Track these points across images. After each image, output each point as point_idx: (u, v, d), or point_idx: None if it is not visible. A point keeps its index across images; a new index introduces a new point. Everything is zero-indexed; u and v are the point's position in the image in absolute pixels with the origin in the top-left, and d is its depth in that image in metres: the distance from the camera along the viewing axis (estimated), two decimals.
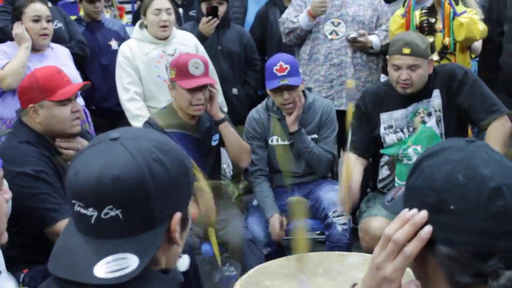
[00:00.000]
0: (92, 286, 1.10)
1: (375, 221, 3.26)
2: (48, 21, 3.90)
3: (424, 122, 3.34)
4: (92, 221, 1.13)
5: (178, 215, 1.19)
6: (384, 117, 3.39)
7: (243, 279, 2.73)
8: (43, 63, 3.78)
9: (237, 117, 4.04)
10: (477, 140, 1.18)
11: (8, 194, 1.65)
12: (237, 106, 4.44)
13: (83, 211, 1.14)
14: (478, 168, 1.11)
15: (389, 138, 3.39)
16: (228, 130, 3.52)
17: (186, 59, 3.38)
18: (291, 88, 3.55)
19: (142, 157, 1.15)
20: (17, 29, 3.83)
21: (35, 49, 3.89)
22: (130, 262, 1.11)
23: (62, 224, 2.69)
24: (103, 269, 1.10)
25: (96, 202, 1.13)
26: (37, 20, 3.85)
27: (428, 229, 1.12)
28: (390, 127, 3.38)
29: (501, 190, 1.09)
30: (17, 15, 3.89)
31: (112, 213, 1.12)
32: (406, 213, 1.15)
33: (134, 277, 1.10)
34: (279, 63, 3.55)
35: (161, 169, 1.16)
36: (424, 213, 1.13)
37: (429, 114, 3.34)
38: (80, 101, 3.82)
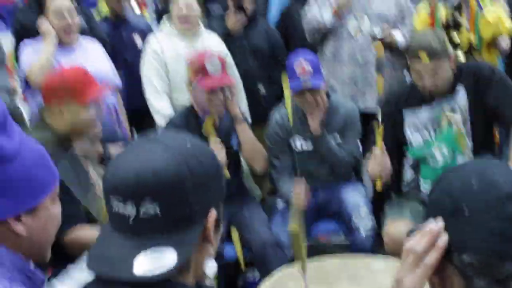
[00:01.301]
0: (130, 284, 1.12)
1: (399, 225, 3.23)
2: (72, 15, 3.89)
3: (450, 122, 3.27)
4: (130, 221, 1.15)
5: (214, 213, 1.21)
6: (409, 116, 3.34)
7: (266, 283, 2.73)
8: (71, 57, 3.78)
9: (264, 116, 4.00)
10: (496, 160, 1.25)
11: (59, 207, 1.66)
12: (264, 104, 4.40)
13: (121, 209, 1.15)
14: (492, 176, 1.14)
15: (415, 137, 3.33)
16: (244, 130, 3.52)
17: (202, 58, 3.38)
18: (313, 89, 3.50)
19: (180, 153, 1.18)
20: (42, 24, 3.84)
21: (63, 43, 3.88)
22: (168, 259, 1.12)
23: (73, 233, 2.70)
24: (142, 266, 1.12)
25: (135, 195, 1.14)
26: (60, 15, 3.85)
27: (444, 238, 1.14)
28: (416, 126, 3.32)
29: None
30: (41, 11, 3.89)
31: (151, 210, 1.13)
32: (424, 225, 1.17)
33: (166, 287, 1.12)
34: (300, 62, 3.47)
35: (198, 165, 1.18)
36: (439, 221, 1.15)
37: (455, 113, 3.27)
38: (111, 98, 3.82)
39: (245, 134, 3.53)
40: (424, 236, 1.15)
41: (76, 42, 3.95)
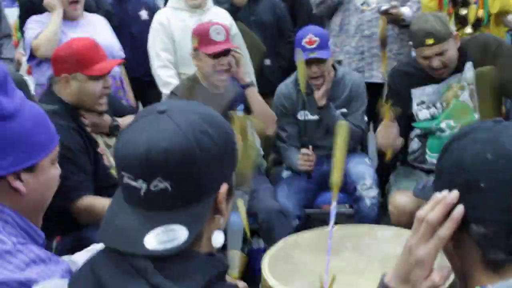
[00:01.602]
0: (142, 257, 1.11)
1: (404, 195, 3.24)
2: None
3: (457, 97, 3.29)
4: (142, 193, 1.14)
5: (225, 187, 1.20)
6: (416, 92, 3.34)
7: (271, 251, 2.74)
8: (77, 31, 3.79)
9: (269, 88, 4.02)
10: (504, 121, 1.18)
11: (59, 170, 1.68)
12: (269, 77, 4.41)
13: (132, 183, 1.15)
14: (506, 145, 1.12)
15: (422, 113, 3.34)
16: (254, 95, 3.53)
17: (207, 26, 3.38)
18: (319, 61, 3.53)
19: (190, 129, 1.15)
20: None
21: (69, 17, 3.89)
22: (179, 234, 1.13)
23: (81, 202, 2.72)
24: (153, 240, 1.12)
25: (146, 173, 1.13)
26: None
27: (460, 208, 1.12)
28: (423, 102, 3.33)
29: None
30: None
31: (161, 185, 1.13)
32: (437, 194, 1.15)
33: (180, 256, 1.12)
34: (308, 35, 3.52)
35: (208, 141, 1.16)
36: (455, 193, 1.13)
37: (462, 88, 3.29)
38: (116, 68, 3.83)
39: (255, 98, 3.54)
40: (438, 206, 1.13)
41: (81, 16, 3.96)
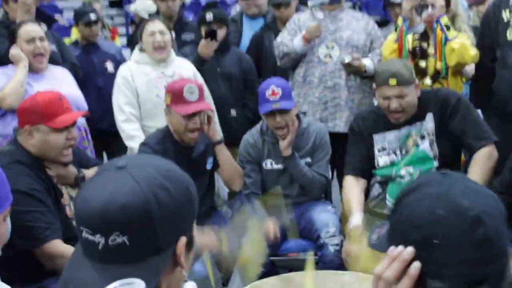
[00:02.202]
0: None
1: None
2: (41, 40, 3.92)
3: (417, 145, 3.37)
4: (100, 248, 1.16)
5: (183, 240, 1.21)
6: (377, 138, 3.44)
7: None
8: (42, 83, 3.82)
9: (234, 139, 4.08)
10: (452, 173, 1.20)
11: (8, 225, 1.69)
12: (235, 128, 4.45)
13: (90, 237, 1.16)
14: (456, 200, 1.14)
15: (382, 160, 3.44)
16: (223, 152, 3.57)
17: (181, 84, 3.41)
18: (283, 111, 3.59)
19: (148, 185, 1.17)
20: (13, 50, 3.87)
21: (34, 70, 3.91)
22: (137, 287, 1.13)
23: (52, 245, 2.70)
24: None
25: (103, 229, 1.15)
26: (30, 40, 3.88)
27: (416, 265, 1.14)
28: (384, 149, 3.42)
29: (481, 217, 1.11)
30: (12, 38, 3.93)
31: (119, 240, 1.14)
32: (393, 250, 1.17)
33: None
34: (271, 87, 3.58)
35: (166, 196, 1.18)
36: (411, 249, 1.15)
37: (422, 137, 3.38)
38: (81, 119, 3.84)
39: (224, 155, 3.59)
40: (394, 263, 1.15)
41: (46, 69, 3.99)
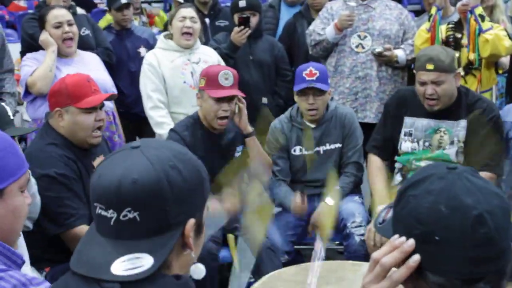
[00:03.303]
0: (108, 282, 1.17)
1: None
2: (70, 24, 3.96)
3: (442, 147, 3.34)
4: (112, 223, 1.20)
5: (192, 221, 1.25)
6: (407, 122, 3.41)
7: (256, 285, 2.77)
8: (70, 67, 3.85)
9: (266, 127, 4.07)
10: (459, 167, 1.19)
11: (29, 200, 1.71)
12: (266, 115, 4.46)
13: (103, 213, 1.21)
14: (460, 197, 1.13)
15: (405, 145, 3.41)
16: (255, 144, 3.54)
17: (217, 69, 3.44)
18: (317, 92, 3.59)
19: (160, 164, 1.22)
20: (42, 35, 3.93)
21: (63, 54, 3.98)
22: (144, 262, 1.18)
23: (78, 230, 2.76)
24: (119, 267, 1.18)
25: (116, 204, 1.20)
26: (58, 26, 3.93)
27: (416, 257, 1.15)
28: (410, 134, 3.39)
29: (484, 217, 1.11)
30: (41, 23, 3.99)
31: (130, 216, 1.19)
32: (395, 239, 1.17)
33: (147, 279, 1.17)
34: (309, 68, 3.61)
35: (178, 176, 1.22)
36: (412, 242, 1.15)
37: (452, 143, 3.34)
38: (109, 104, 3.90)
39: (255, 146, 3.55)
40: (395, 252, 1.16)
41: (75, 54, 4.04)
